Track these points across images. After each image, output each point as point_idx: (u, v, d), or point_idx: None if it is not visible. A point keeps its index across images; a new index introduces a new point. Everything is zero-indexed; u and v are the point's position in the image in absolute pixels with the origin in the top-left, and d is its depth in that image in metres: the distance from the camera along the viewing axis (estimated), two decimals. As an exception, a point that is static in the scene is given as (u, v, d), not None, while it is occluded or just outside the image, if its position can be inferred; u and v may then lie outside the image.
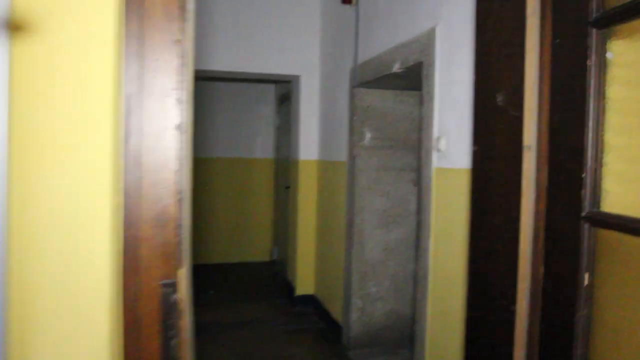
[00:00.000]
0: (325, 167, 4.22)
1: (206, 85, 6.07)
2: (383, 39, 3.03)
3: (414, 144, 3.63)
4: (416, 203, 3.67)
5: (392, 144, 3.59)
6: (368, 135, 3.53)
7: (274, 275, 5.64)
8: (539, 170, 1.03)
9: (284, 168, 5.39)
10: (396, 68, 2.80)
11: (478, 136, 1.23)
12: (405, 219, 3.65)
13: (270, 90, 6.38)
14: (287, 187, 4.96)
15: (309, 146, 4.46)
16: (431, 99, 2.43)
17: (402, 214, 3.64)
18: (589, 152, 0.93)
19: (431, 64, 2.41)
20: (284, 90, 5.43)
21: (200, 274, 4.96)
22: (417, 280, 2.67)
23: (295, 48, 4.39)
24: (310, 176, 4.47)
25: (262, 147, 6.40)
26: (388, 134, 3.58)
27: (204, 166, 5.86)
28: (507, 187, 1.10)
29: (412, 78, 3.00)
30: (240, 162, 6.27)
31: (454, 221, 2.25)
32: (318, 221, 4.43)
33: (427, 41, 2.46)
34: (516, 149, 1.07)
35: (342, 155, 3.73)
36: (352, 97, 3.52)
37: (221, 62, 4.24)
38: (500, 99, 1.13)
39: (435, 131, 2.41)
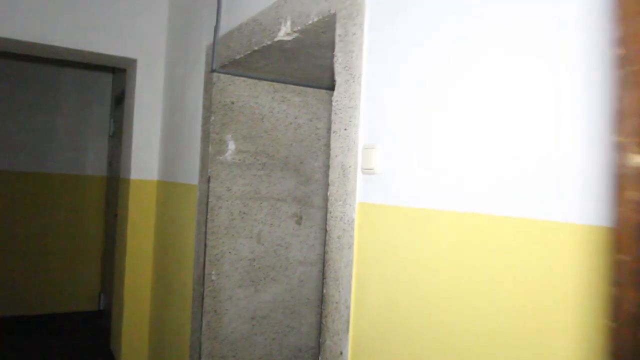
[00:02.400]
0: (168, 191, 2.91)
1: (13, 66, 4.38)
2: (261, -8, 1.88)
3: (299, 164, 2.52)
4: (300, 249, 2.54)
5: (267, 160, 2.43)
6: (232, 147, 2.34)
7: (98, 334, 4.07)
8: None
9: (116, 189, 3.93)
10: (284, 33, 1.67)
11: None
12: (284, 273, 2.49)
13: (107, 87, 4.86)
14: (116, 216, 3.54)
15: (145, 161, 3.11)
16: (354, 78, 1.33)
17: (280, 264, 2.48)
18: None
19: (356, 14, 1.32)
20: (123, 87, 4.00)
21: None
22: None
23: (129, 17, 3.05)
24: (146, 203, 3.11)
25: (95, 162, 4.83)
26: (262, 146, 2.42)
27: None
28: None
29: (308, 53, 1.89)
30: (58, 180, 4.63)
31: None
32: (155, 271, 3.07)
33: (344, -23, 1.36)
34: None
35: (193, 176, 2.47)
36: (208, 86, 2.31)
37: (18, 28, 2.73)
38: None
39: (362, 135, 1.31)
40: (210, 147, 2.28)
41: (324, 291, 1.40)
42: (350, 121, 1.34)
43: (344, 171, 1.35)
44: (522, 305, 0.88)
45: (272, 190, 2.44)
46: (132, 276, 3.07)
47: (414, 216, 1.13)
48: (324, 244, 2.58)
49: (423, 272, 1.10)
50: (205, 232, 2.29)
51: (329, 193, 1.41)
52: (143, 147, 3.10)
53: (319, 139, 2.57)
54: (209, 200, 2.29)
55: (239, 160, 2.35)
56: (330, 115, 2.60)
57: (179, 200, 2.68)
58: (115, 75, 4.74)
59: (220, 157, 2.31)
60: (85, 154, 4.77)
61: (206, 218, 2.29)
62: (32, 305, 4.50)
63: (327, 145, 2.59)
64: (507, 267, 0.91)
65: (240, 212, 2.36)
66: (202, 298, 2.29)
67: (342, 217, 1.34)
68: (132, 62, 3.14)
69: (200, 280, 2.30)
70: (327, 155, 2.59)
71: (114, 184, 4.16)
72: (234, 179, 2.34)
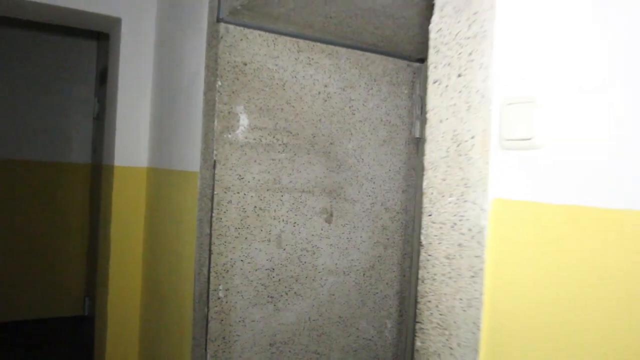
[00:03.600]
0: (160, 180, 2.34)
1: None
2: None
3: (329, 145, 1.96)
4: (331, 254, 1.99)
5: (289, 140, 1.87)
6: (244, 122, 1.77)
7: (80, 344, 3.50)
8: None
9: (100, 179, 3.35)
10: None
11: None
12: (310, 285, 1.94)
13: (91, 60, 4.26)
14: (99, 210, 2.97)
15: (131, 143, 2.54)
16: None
17: (305, 275, 1.93)
18: None
19: None
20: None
21: None
22: None
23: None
24: (133, 195, 2.54)
25: (78, 147, 4.25)
26: (283, 121, 1.85)
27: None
28: None
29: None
30: (36, 168, 4.04)
31: None
32: (146, 279, 2.51)
33: None
34: None
35: (193, 161, 1.90)
36: (213, 41, 1.73)
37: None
38: None
39: (498, 83, 0.75)
40: (215, 123, 1.72)
41: (418, 344, 0.85)
42: (471, 60, 0.78)
43: (458, 145, 0.79)
44: None
45: (295, 179, 1.88)
46: (118, 283, 2.50)
47: (625, 229, 0.58)
48: (359, 247, 2.04)
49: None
50: (210, 235, 1.72)
51: (425, 183, 0.85)
52: (129, 125, 2.52)
53: (354, 113, 2.01)
54: (215, 192, 1.72)
55: (254, 139, 1.79)
56: (367, 83, 2.04)
57: (174, 193, 2.11)
58: (100, 46, 4.14)
59: (230, 136, 1.74)
60: (67, 139, 4.18)
61: (211, 216, 1.72)
62: (7, 311, 3.94)
63: (364, 122, 2.03)
64: None
65: (255, 207, 1.80)
66: (207, 321, 1.74)
67: (456, 225, 0.78)
68: (116, 23, 2.56)
69: (204, 297, 1.74)
70: (363, 135, 2.03)
71: (99, 173, 3.59)
72: (247, 164, 1.78)
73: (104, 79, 3.69)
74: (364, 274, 2.07)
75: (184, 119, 2.02)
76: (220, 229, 1.74)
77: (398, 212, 2.15)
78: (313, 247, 1.94)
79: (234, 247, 1.77)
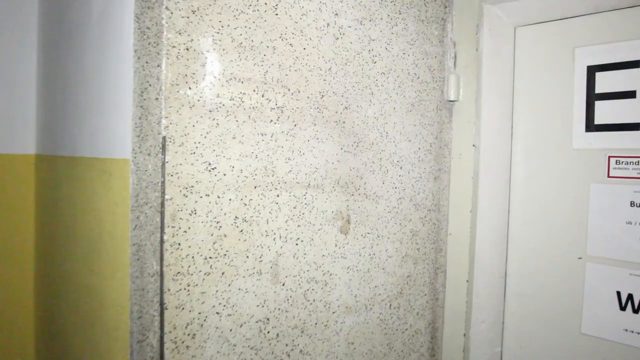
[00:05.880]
0: (59, 175, 1.46)
1: None
2: None
3: (343, 109, 1.22)
4: (348, 283, 1.27)
5: (286, 102, 1.11)
6: (215, 67, 0.99)
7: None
8: None
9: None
10: None
11: None
12: (322, 334, 1.21)
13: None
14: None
15: (6, 120, 1.62)
16: None
17: (313, 320, 1.20)
18: None
19: None
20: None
21: None
22: None
23: None
24: (13, 198, 1.63)
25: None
26: (276, 68, 1.08)
27: None
28: None
29: None
30: None
31: None
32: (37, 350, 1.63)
33: None
34: None
35: (117, 140, 1.08)
36: None
37: None
38: None
39: None
40: (163, 67, 0.92)
41: None
42: None
43: None
44: None
45: (297, 167, 1.14)
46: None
47: None
48: (384, 267, 1.32)
49: None
50: (161, 275, 0.94)
51: None
52: (2, 89, 1.60)
53: (374, 62, 1.29)
54: (167, 196, 0.93)
55: (232, 100, 1.01)
56: (390, 16, 1.32)
57: (84, 197, 1.26)
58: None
59: (190, 92, 0.95)
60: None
61: (160, 240, 0.93)
62: None
63: (387, 75, 1.32)
64: None
65: (236, 219, 1.03)
66: None
67: None
68: None
69: (152, 385, 0.96)
70: (387, 95, 1.33)
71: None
72: (221, 142, 1.00)
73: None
74: (390, 305, 1.38)
75: (96, 70, 1.17)
76: (179, 263, 0.96)
77: (430, 210, 1.48)
78: (324, 274, 1.21)
79: (203, 293, 0.99)
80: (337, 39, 1.20)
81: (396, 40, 1.34)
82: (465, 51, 1.50)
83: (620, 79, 1.30)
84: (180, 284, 0.96)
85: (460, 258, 1.51)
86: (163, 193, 0.93)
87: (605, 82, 1.33)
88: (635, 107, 1.28)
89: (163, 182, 0.93)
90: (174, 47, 0.92)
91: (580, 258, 1.36)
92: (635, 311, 1.29)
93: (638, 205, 1.28)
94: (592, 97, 1.35)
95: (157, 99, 0.93)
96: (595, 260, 1.34)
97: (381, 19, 1.30)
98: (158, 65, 0.92)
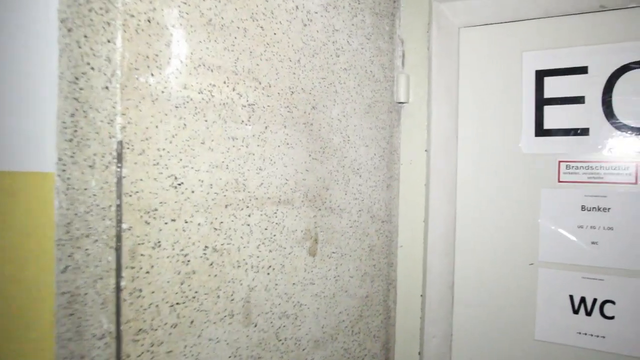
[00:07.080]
0: None
1: None
2: None
3: (311, 109, 1.03)
4: (316, 312, 1.09)
5: (258, 97, 0.88)
6: (182, 49, 0.73)
7: None
8: None
9: None
10: None
11: None
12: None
13: None
14: None
15: None
16: None
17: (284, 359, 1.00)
18: None
19: None
20: None
21: None
22: None
23: None
24: None
25: None
26: (246, 55, 0.85)
27: None
28: None
29: None
30: None
31: None
32: None
33: None
34: None
35: (37, 147, 0.76)
36: None
37: None
38: None
39: None
40: (118, 44, 0.65)
41: None
42: None
43: None
44: None
45: (269, 177, 0.92)
46: None
47: None
48: (347, 289, 1.14)
49: None
50: (118, 336, 0.66)
51: None
52: None
53: (338, 55, 1.12)
54: (124, 225, 0.66)
55: (201, 92, 0.77)
56: (351, 5, 1.17)
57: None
58: None
59: (152, 81, 0.69)
60: None
61: (117, 286, 0.66)
62: None
63: (349, 71, 1.16)
64: None
65: (206, 249, 0.79)
66: None
67: None
68: None
69: None
70: (349, 94, 1.17)
71: None
72: (189, 148, 0.75)
73: None
74: (352, 331, 1.22)
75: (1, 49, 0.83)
76: (140, 317, 0.69)
77: (384, 221, 1.35)
78: (294, 306, 1.01)
79: (169, 352, 0.73)
80: (305, 25, 1.01)
81: (356, 32, 1.19)
82: (416, 50, 1.40)
83: (569, 85, 1.31)
84: (143, 345, 0.69)
85: (413, 272, 1.41)
86: (119, 222, 0.65)
87: (554, 87, 1.33)
88: (584, 112, 1.29)
89: (119, 206, 0.65)
90: (132, 16, 0.66)
91: (532, 264, 1.34)
92: (588, 313, 1.30)
93: (589, 209, 1.30)
94: (541, 101, 1.34)
95: (106, 88, 0.65)
96: (548, 265, 1.33)
97: (343, 7, 1.14)
98: (108, 41, 0.65)
